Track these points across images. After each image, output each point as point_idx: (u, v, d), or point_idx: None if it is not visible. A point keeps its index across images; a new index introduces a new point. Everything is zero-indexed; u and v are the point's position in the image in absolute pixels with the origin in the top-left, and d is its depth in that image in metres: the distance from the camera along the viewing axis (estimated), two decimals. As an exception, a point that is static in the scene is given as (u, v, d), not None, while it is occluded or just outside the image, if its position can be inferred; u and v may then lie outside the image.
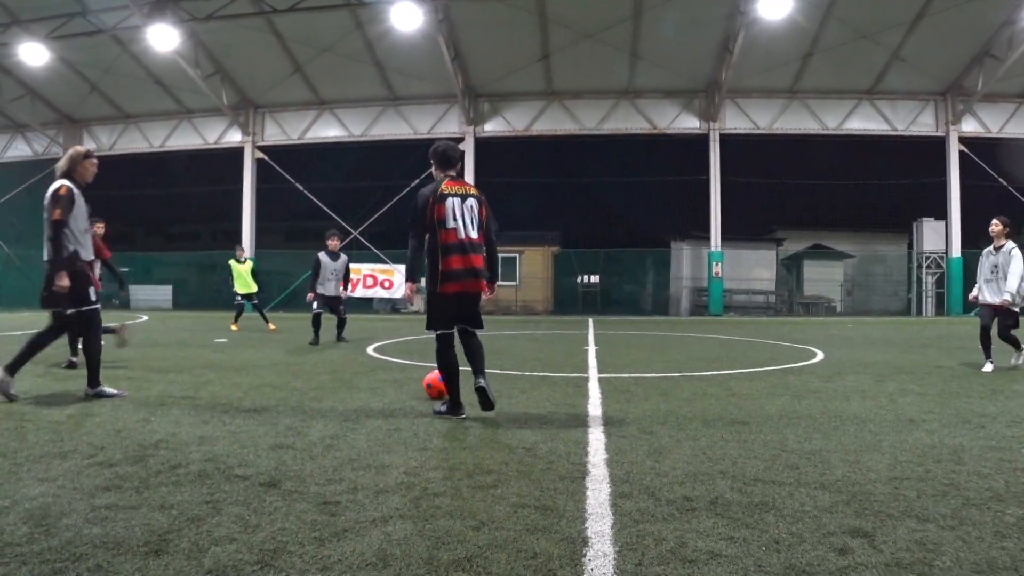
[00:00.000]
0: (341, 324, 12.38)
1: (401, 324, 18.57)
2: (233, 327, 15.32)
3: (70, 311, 5.75)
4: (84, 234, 5.84)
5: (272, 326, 15.54)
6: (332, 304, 12.09)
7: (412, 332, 14.93)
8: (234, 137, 26.76)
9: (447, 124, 24.65)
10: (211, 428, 4.69)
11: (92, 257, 6.05)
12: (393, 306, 25.72)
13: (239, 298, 15.49)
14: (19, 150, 30.00)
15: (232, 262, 15.62)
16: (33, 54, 21.88)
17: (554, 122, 24.84)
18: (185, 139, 27.77)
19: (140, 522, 2.83)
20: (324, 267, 11.91)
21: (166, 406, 5.54)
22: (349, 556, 2.46)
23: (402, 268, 24.87)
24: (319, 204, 26.15)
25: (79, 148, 6.13)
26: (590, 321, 19.76)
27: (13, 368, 5.71)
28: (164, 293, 29.95)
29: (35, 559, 2.46)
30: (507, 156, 27.59)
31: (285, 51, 22.57)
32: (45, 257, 5.66)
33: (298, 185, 26.19)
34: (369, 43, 21.62)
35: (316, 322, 11.72)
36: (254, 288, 15.63)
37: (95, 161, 6.10)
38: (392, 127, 25.13)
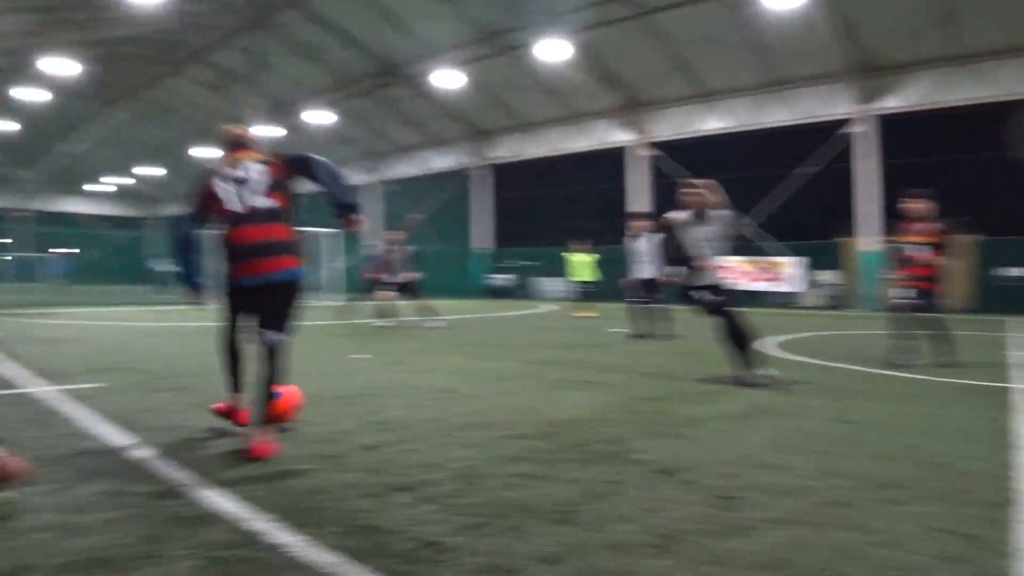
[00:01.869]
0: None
1: (800, 320, 17.77)
2: (581, 313, 17.11)
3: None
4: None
5: (588, 312, 17.14)
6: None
7: (813, 328, 14.24)
8: (624, 136, 27.83)
9: (836, 104, 22.85)
10: (613, 412, 4.97)
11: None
12: (787, 301, 24.70)
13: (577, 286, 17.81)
14: (441, 162, 34.63)
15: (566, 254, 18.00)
16: (449, 79, 25.06)
17: (963, 90, 21.70)
18: (579, 141, 29.58)
19: (550, 492, 3.13)
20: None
21: (572, 389, 5.98)
22: (745, 554, 2.45)
23: (797, 260, 23.83)
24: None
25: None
26: (1012, 322, 16.80)
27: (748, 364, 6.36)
28: (568, 285, 32.21)
29: (463, 511, 2.87)
30: (909, 133, 24.80)
31: (666, 47, 22.90)
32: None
33: (690, 179, 26.35)
34: (747, 28, 20.97)
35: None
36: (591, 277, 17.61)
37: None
38: (777, 113, 24.06)
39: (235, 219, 3.96)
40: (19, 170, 28.60)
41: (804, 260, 23.86)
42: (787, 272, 24.26)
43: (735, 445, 4.04)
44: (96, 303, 20.89)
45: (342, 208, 4.05)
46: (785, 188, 24.44)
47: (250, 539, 2.54)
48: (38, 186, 27.30)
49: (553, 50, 21.59)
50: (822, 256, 23.97)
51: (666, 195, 27.55)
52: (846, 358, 8.40)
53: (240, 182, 4.02)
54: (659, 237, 12.16)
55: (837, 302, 22.84)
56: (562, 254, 17.91)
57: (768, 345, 10.03)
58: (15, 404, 5.13)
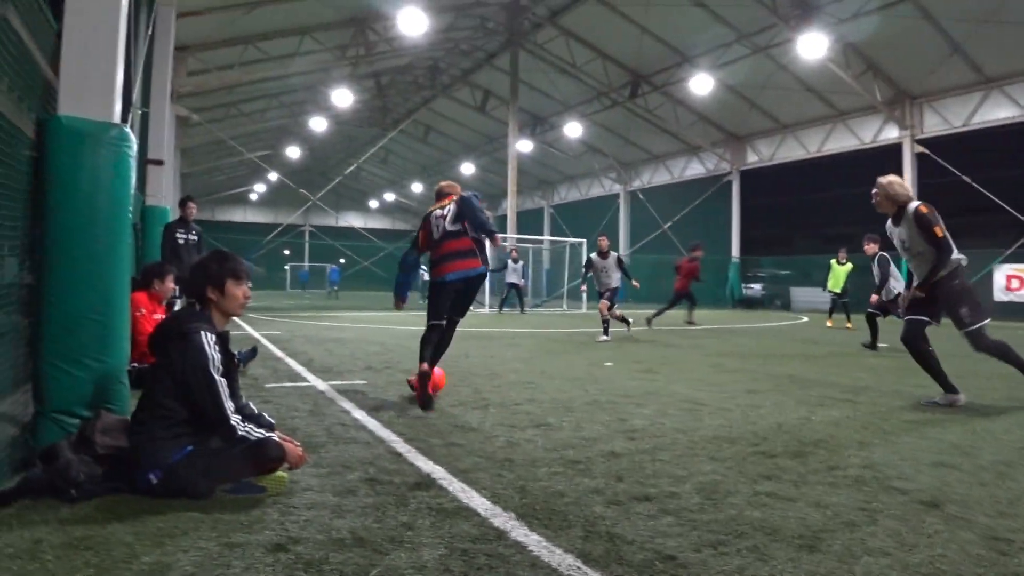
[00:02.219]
0: None
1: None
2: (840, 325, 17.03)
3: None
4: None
5: (845, 324, 16.92)
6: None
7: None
8: (891, 133, 25.66)
9: None
10: (870, 434, 4.62)
11: None
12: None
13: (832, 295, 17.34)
14: (694, 169, 34.01)
15: (833, 262, 17.30)
16: (701, 84, 24.51)
17: None
18: (840, 142, 27.73)
19: (796, 515, 2.98)
20: None
21: (825, 407, 5.64)
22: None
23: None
24: (990, 196, 23.20)
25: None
26: None
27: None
28: (823, 295, 30.30)
29: (703, 527, 2.81)
30: None
31: (940, 32, 20.73)
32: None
33: (964, 177, 23.72)
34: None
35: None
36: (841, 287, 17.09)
37: None
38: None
39: (436, 241, 5.82)
40: (303, 189, 32.22)
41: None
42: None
43: (1014, 480, 3.58)
44: (363, 308, 22.95)
45: (480, 231, 5.77)
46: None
47: (495, 535, 2.67)
48: (319, 203, 30.70)
49: (812, 45, 20.42)
50: None
51: (935, 196, 25.14)
52: None
53: (441, 217, 5.90)
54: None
55: None
56: (831, 262, 17.38)
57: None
58: (295, 395, 5.79)
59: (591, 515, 2.93)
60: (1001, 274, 22.86)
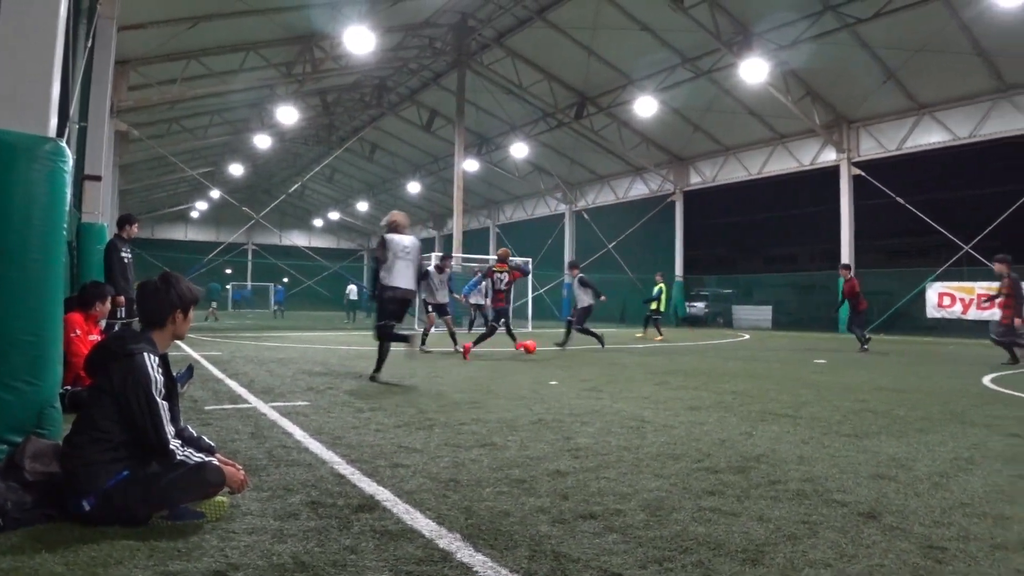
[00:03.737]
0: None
1: None
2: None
3: None
4: None
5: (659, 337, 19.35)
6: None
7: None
8: (828, 156, 26.43)
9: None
10: (810, 449, 4.71)
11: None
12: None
13: None
14: (638, 190, 34.50)
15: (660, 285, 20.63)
16: (646, 106, 24.94)
17: None
18: (780, 164, 28.43)
19: (740, 529, 3.01)
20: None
21: (767, 422, 5.74)
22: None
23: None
24: (923, 218, 24.02)
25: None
26: None
27: None
28: (764, 313, 31.01)
29: (649, 544, 2.83)
30: None
31: (875, 60, 21.47)
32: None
33: (899, 199, 24.53)
34: (968, 31, 19.16)
35: None
36: None
37: None
38: (1005, 122, 21.67)
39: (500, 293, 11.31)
40: (246, 207, 31.79)
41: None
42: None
43: (948, 491, 3.69)
44: (307, 328, 22.63)
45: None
46: (1003, 206, 22.15)
47: (440, 556, 2.64)
48: (263, 221, 30.33)
49: (754, 70, 20.94)
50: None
51: (870, 218, 25.97)
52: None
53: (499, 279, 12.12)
54: None
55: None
56: (659, 285, 20.85)
57: (985, 380, 9.14)
58: (236, 417, 5.66)
59: (537, 534, 2.92)
60: (934, 292, 23.64)
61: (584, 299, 14.53)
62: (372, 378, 8.23)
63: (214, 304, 33.75)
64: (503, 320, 13.17)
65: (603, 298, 14.80)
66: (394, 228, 8.36)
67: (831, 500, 3.48)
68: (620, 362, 11.61)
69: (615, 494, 3.54)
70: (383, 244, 8.20)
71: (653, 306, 20.51)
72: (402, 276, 8.23)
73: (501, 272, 13.08)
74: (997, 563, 2.64)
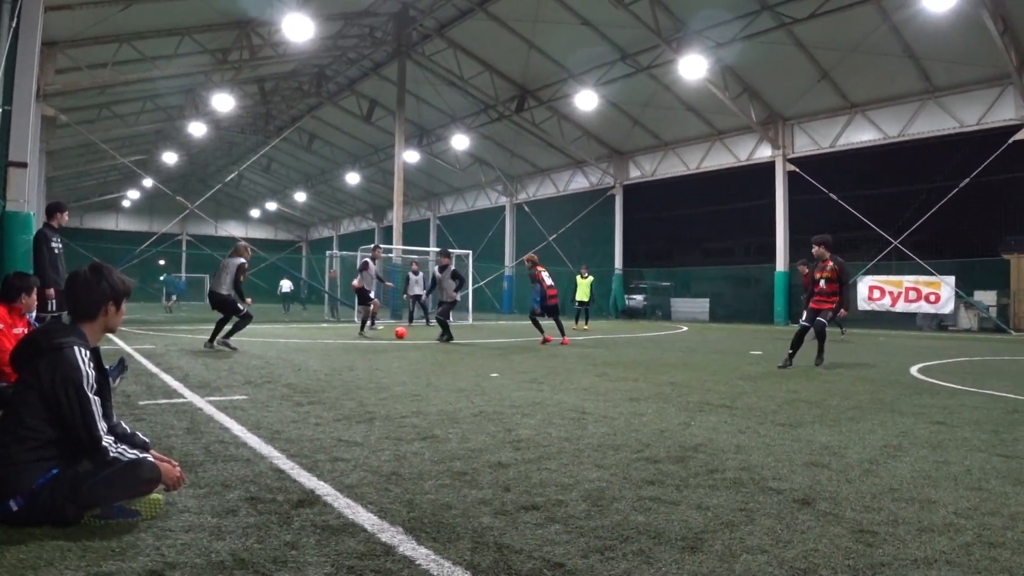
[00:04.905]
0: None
1: (949, 343, 16.67)
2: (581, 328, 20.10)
3: None
4: None
5: (586, 327, 20.36)
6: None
7: (962, 353, 13.32)
8: (764, 152, 27.02)
9: (1000, 111, 21.10)
10: (746, 438, 4.81)
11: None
12: (940, 322, 23.08)
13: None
14: (578, 183, 34.75)
15: (577, 277, 22.03)
16: (586, 100, 25.13)
17: None
18: (718, 159, 28.96)
19: (679, 518, 3.07)
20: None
21: (704, 412, 5.85)
22: (888, 590, 2.31)
23: (950, 280, 22.30)
24: (855, 213, 24.74)
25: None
26: None
27: None
28: (702, 305, 31.55)
29: (590, 533, 2.86)
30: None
31: (809, 59, 22.04)
32: None
33: (832, 195, 25.18)
34: (899, 34, 19.76)
35: None
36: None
37: None
38: (932, 123, 22.48)
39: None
40: (181, 196, 30.96)
41: (951, 279, 22.34)
42: (940, 292, 22.73)
43: (878, 477, 3.82)
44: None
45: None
46: (930, 202, 22.97)
47: (383, 550, 2.62)
48: (197, 211, 29.55)
49: (692, 67, 21.26)
50: (981, 275, 22.41)
51: (805, 213, 26.63)
52: (1012, 387, 7.80)
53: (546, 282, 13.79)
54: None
55: (999, 324, 21.21)
56: (576, 277, 22.20)
57: (913, 370, 9.47)
58: (171, 412, 5.52)
59: (479, 526, 2.92)
60: (864, 285, 24.38)
61: (450, 292, 14.64)
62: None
63: (174, 297, 33.36)
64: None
65: (458, 297, 15.30)
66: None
67: (767, 488, 3.56)
68: (560, 354, 11.69)
69: (557, 485, 3.57)
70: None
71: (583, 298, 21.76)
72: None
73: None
74: (924, 545, 2.74)
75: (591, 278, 22.21)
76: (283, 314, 30.34)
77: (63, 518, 2.82)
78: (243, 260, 11.76)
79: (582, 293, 21.71)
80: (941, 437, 4.95)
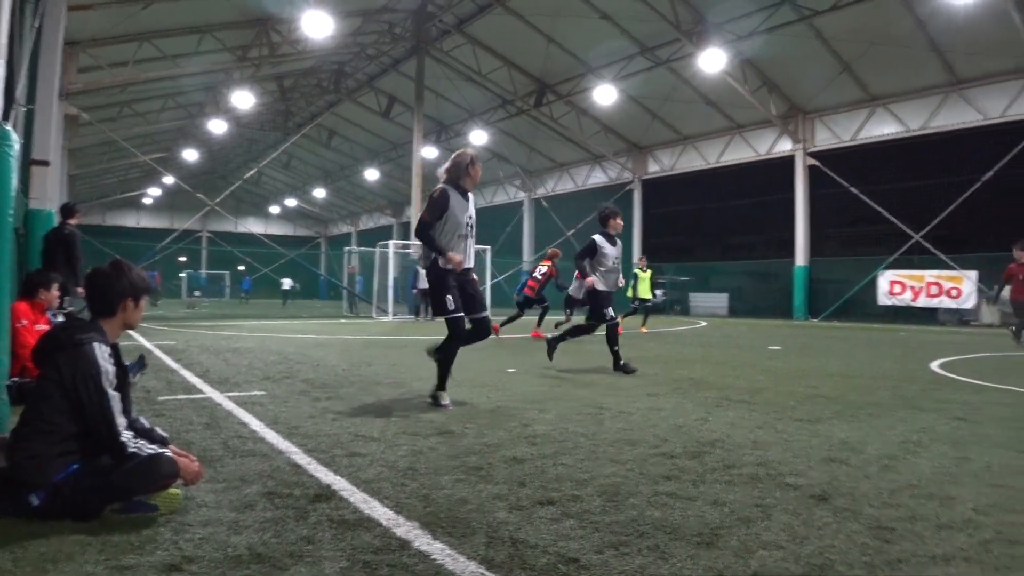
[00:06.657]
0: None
1: (972, 338, 16.48)
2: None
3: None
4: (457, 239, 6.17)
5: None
6: None
7: (986, 348, 13.16)
8: (784, 146, 26.82)
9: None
10: (764, 433, 4.79)
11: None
12: (961, 318, 22.81)
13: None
14: (597, 178, 34.67)
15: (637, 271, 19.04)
16: (605, 95, 25.05)
17: None
18: (738, 153, 28.80)
19: (695, 513, 3.05)
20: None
21: (722, 407, 5.82)
22: (905, 587, 2.29)
23: (972, 275, 22.02)
24: (876, 207, 24.49)
25: (466, 152, 6.44)
26: None
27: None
28: (721, 300, 31.38)
29: (605, 528, 2.85)
30: None
31: (830, 52, 21.84)
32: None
33: (852, 189, 24.94)
34: (922, 25, 19.54)
35: None
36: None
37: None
38: (955, 115, 22.20)
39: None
40: (201, 194, 31.21)
41: (973, 274, 22.04)
42: (962, 287, 22.46)
43: (897, 473, 3.78)
44: (264, 316, 22.37)
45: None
46: (952, 196, 22.65)
47: (398, 545, 2.63)
48: (217, 208, 29.76)
49: (712, 61, 21.13)
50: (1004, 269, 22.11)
51: (825, 207, 26.40)
52: (1033, 383, 7.70)
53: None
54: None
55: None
56: (635, 271, 18.92)
57: (933, 365, 9.38)
58: (190, 407, 5.57)
59: (494, 521, 2.93)
60: (885, 280, 24.16)
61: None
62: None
63: (196, 293, 34.20)
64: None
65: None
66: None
67: (784, 483, 3.54)
68: (577, 350, 11.67)
69: (572, 480, 3.56)
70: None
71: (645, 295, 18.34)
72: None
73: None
74: (942, 542, 2.71)
75: (650, 271, 18.80)
76: (281, 308, 31.58)
77: (83, 512, 2.85)
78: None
79: (644, 290, 18.20)
80: (962, 433, 4.89)
